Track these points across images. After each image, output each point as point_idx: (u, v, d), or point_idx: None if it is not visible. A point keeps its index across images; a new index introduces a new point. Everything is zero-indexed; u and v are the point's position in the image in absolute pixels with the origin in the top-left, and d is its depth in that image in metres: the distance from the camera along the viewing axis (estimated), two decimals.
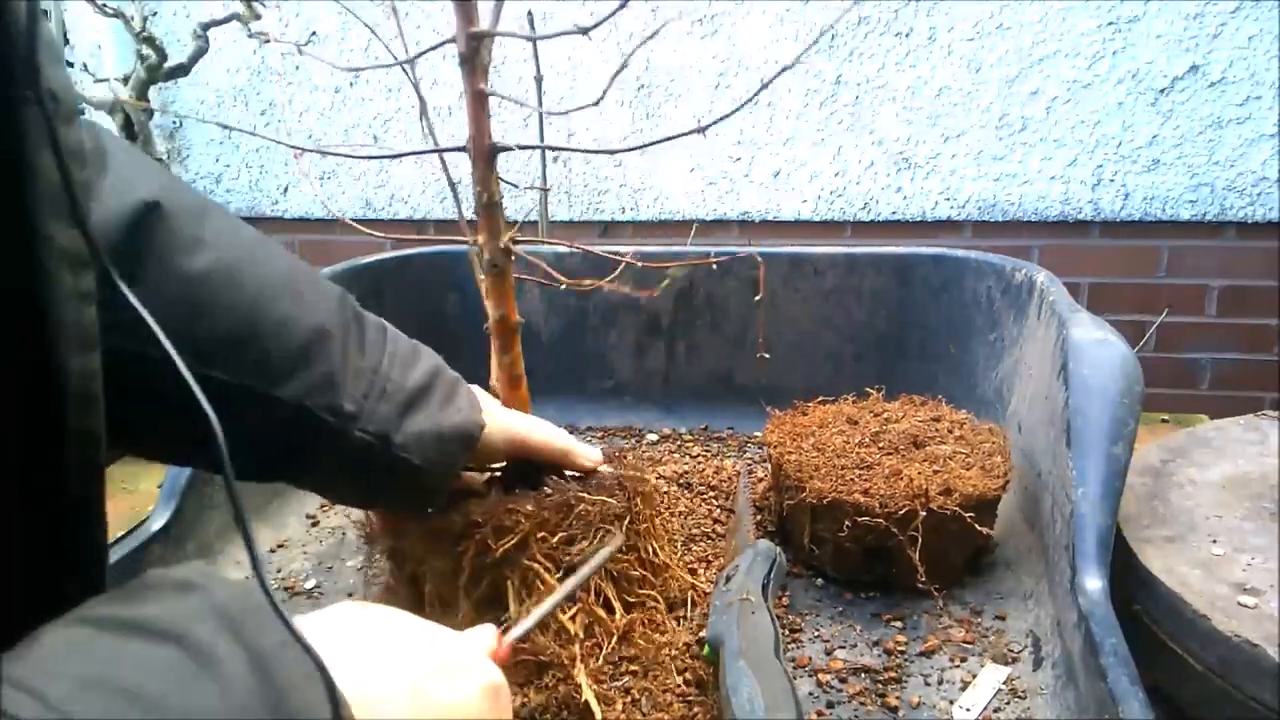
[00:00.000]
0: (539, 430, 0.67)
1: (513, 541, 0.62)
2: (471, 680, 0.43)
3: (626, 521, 0.67)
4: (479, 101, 0.66)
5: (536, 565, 0.62)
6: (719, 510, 0.94)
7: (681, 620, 0.73)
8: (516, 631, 0.55)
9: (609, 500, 0.66)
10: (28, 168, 0.33)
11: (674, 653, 0.68)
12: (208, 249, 0.51)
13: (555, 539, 0.63)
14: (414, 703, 0.38)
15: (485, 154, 0.67)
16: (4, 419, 0.34)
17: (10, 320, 0.33)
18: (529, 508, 0.63)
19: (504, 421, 0.65)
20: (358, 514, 0.98)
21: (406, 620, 0.43)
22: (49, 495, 0.32)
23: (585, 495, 0.65)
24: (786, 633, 0.75)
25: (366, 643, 0.39)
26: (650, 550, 0.70)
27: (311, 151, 0.77)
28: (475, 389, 0.65)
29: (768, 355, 1.12)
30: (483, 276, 0.75)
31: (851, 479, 0.80)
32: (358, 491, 0.63)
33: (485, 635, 0.49)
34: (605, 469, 0.70)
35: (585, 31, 0.61)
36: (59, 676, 0.27)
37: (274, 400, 0.53)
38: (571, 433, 0.69)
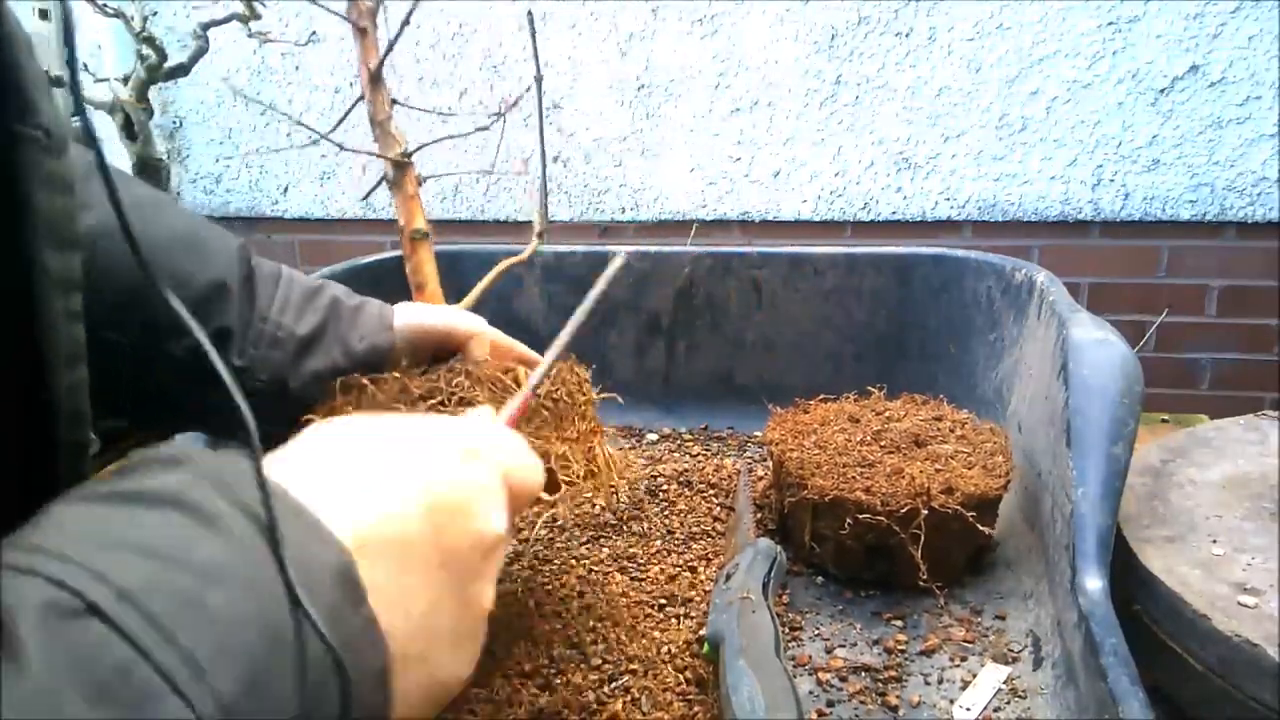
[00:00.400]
0: (431, 314, 0.65)
1: None
2: (451, 450, 0.39)
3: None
4: (360, 32, 0.74)
5: None
6: (719, 509, 0.94)
7: (681, 619, 0.74)
8: (517, 400, 0.52)
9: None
10: (23, 198, 0.35)
11: (674, 651, 0.69)
12: (91, 211, 0.50)
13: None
14: (412, 498, 0.36)
15: (372, 77, 0.73)
16: (1, 433, 0.35)
17: (5, 340, 0.35)
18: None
19: (414, 318, 0.64)
20: None
21: (377, 423, 0.40)
22: (36, 504, 0.33)
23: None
24: (787, 631, 0.75)
25: (341, 463, 0.36)
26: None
27: (329, 140, 0.79)
28: (414, 306, 0.66)
29: (768, 356, 1.12)
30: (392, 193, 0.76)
31: (853, 477, 0.80)
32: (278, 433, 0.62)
33: (477, 413, 0.48)
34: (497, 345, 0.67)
35: None
36: (74, 538, 0.27)
37: (169, 356, 0.53)
38: None
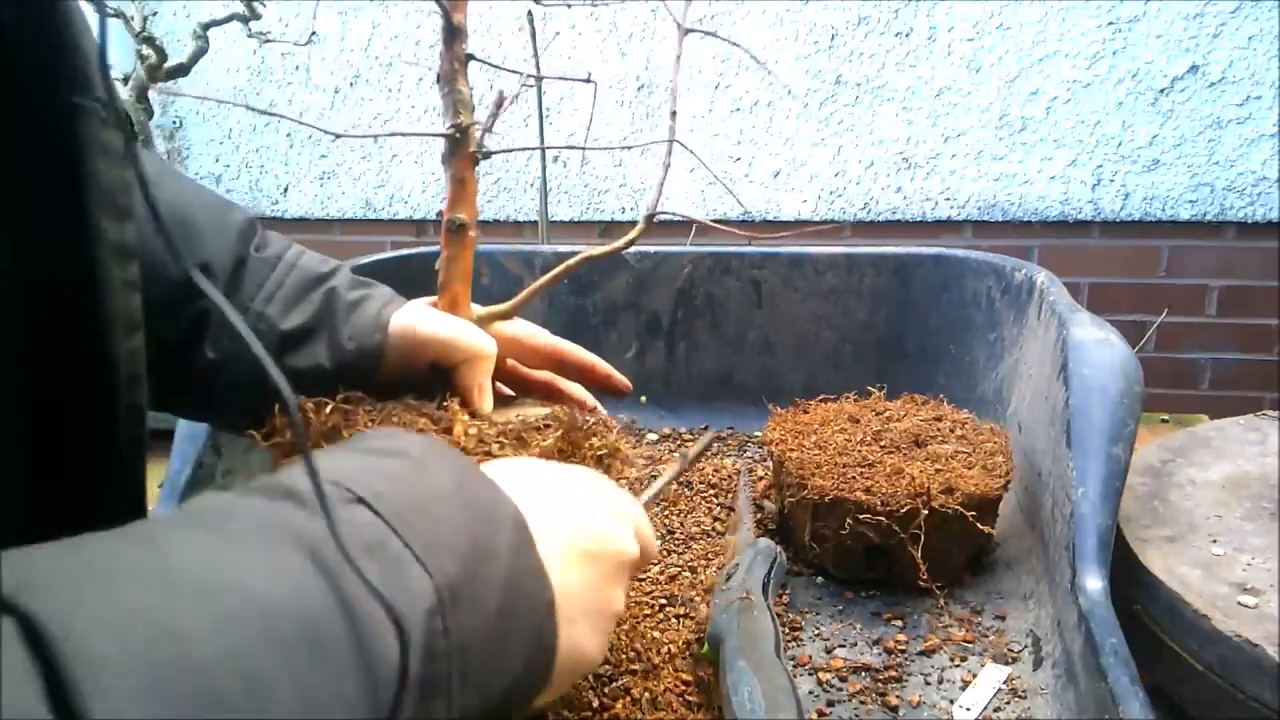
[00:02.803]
0: (429, 321, 0.58)
1: None
2: (609, 485, 0.50)
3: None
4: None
5: None
6: (719, 509, 0.94)
7: (681, 619, 0.74)
8: (645, 496, 0.59)
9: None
10: (83, 169, 0.36)
11: (674, 652, 0.69)
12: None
13: None
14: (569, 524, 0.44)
15: (451, 27, 0.57)
16: (63, 397, 0.37)
17: (68, 307, 0.37)
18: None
19: (408, 322, 0.58)
20: None
21: (545, 462, 0.50)
22: (99, 469, 0.35)
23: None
24: (787, 631, 0.75)
25: (536, 484, 0.45)
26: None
27: (352, 137, 0.75)
28: (420, 307, 0.60)
29: (768, 356, 1.12)
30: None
31: (853, 477, 0.80)
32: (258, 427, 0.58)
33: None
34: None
35: None
36: (339, 459, 0.37)
37: (155, 341, 0.51)
38: None
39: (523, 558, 0.38)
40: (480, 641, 0.34)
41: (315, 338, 0.56)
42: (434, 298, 0.62)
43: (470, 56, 0.58)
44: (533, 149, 0.71)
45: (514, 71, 0.66)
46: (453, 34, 0.57)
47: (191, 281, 0.52)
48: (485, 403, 0.58)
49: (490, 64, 0.62)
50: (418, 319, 0.58)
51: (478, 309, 0.64)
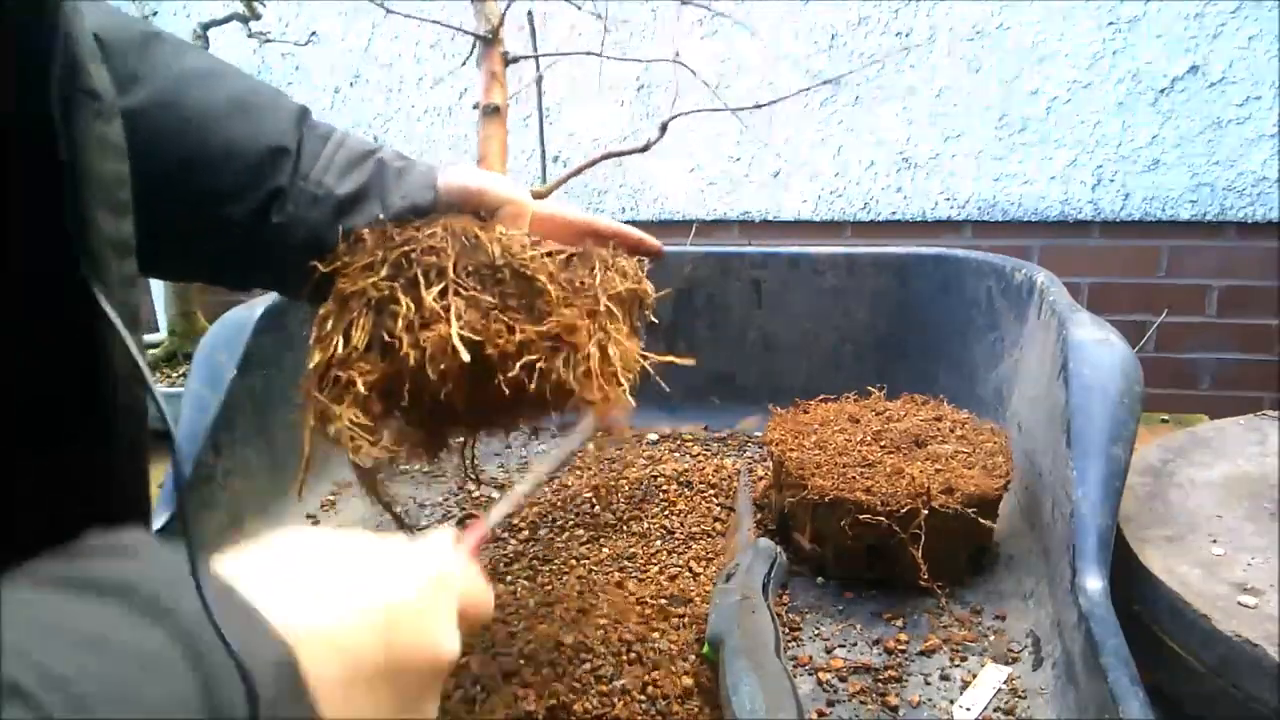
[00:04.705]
0: (473, 175, 0.62)
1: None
2: (412, 572, 0.39)
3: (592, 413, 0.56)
4: None
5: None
6: (719, 509, 0.94)
7: (681, 619, 0.73)
8: (478, 531, 0.49)
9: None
10: (79, 163, 0.36)
11: (674, 652, 0.69)
12: (143, 84, 0.52)
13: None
14: (351, 613, 0.35)
15: None
16: (58, 396, 0.37)
17: (65, 303, 0.36)
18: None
19: (457, 179, 0.62)
20: (360, 513, 0.98)
21: (343, 538, 0.39)
22: (97, 467, 0.34)
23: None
24: (787, 631, 0.75)
25: (299, 571, 0.36)
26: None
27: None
28: (464, 166, 0.63)
29: (768, 354, 1.12)
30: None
31: (853, 477, 0.80)
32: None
33: (439, 539, 0.45)
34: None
35: None
36: (13, 623, 0.25)
37: (225, 220, 0.55)
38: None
39: (285, 715, 0.30)
40: None
41: (369, 201, 0.60)
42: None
43: None
44: (578, 54, 0.79)
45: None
46: None
47: (264, 163, 0.56)
48: None
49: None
50: (465, 175, 0.62)
51: (518, 185, 0.68)
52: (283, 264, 0.58)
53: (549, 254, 0.57)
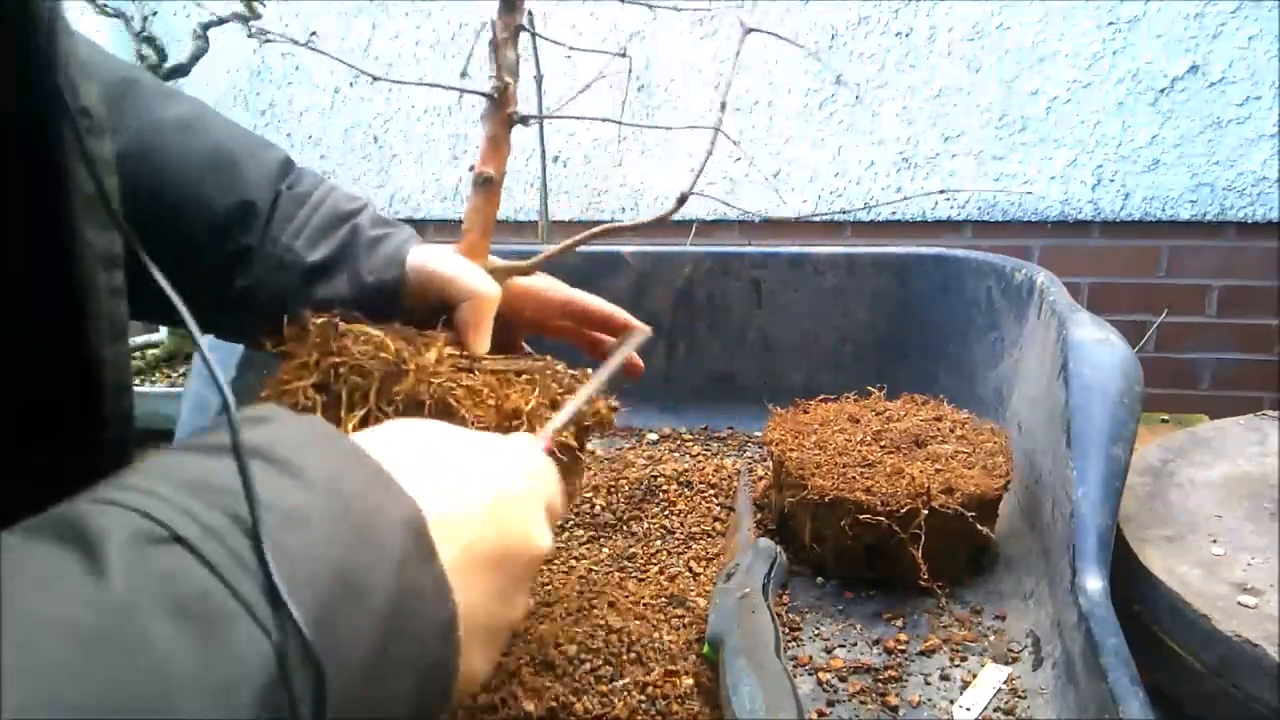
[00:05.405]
0: (438, 259, 0.60)
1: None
2: (515, 465, 0.42)
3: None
4: None
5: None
6: (719, 509, 0.94)
7: (681, 619, 0.73)
8: (550, 428, 0.52)
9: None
10: (67, 178, 0.37)
11: (674, 652, 0.69)
12: (119, 134, 0.52)
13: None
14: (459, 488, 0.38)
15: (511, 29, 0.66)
16: (46, 407, 0.37)
17: (52, 315, 0.37)
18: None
19: (429, 264, 0.60)
20: None
21: (451, 429, 0.42)
22: (86, 477, 0.34)
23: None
24: (787, 631, 0.75)
25: (438, 463, 0.38)
26: None
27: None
28: (438, 248, 0.62)
29: (768, 354, 1.12)
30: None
31: (853, 477, 0.80)
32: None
33: (523, 438, 0.48)
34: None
35: None
36: (166, 479, 0.28)
37: (192, 273, 0.55)
38: None
39: (418, 572, 0.32)
40: (348, 688, 0.28)
41: (339, 271, 0.59)
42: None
43: (521, 27, 0.64)
44: (596, 119, 0.73)
45: (557, 43, 0.79)
46: (511, 3, 0.64)
47: (232, 222, 0.56)
48: (478, 344, 0.59)
49: (543, 36, 0.68)
50: (430, 257, 0.61)
51: (497, 260, 0.66)
52: (250, 322, 0.58)
53: (494, 373, 0.56)
